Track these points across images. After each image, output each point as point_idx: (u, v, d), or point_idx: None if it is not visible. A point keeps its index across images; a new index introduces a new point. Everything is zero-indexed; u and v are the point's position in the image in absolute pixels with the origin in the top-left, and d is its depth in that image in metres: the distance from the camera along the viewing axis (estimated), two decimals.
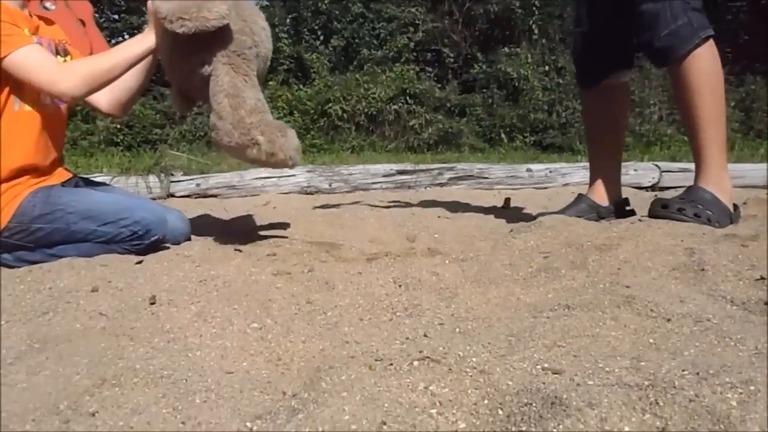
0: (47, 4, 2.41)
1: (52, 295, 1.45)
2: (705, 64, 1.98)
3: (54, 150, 2.01)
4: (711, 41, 2.01)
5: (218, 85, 1.79)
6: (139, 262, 1.74)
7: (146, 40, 1.88)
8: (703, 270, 1.43)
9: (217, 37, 1.80)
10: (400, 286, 1.47)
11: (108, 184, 2.55)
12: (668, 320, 1.12)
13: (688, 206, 1.96)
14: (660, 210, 1.99)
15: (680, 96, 2.05)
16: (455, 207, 3.02)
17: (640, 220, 2.00)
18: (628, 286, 1.35)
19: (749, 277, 1.38)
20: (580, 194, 2.42)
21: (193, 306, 1.35)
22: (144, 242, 1.92)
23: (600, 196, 2.35)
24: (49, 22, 2.10)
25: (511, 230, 2.01)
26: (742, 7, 11.80)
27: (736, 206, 2.11)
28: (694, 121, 2.01)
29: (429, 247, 1.93)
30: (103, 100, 2.11)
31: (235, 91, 1.78)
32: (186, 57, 1.84)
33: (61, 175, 2.07)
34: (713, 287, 1.35)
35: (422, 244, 2.07)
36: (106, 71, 1.84)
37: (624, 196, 2.43)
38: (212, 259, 1.77)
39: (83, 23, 2.55)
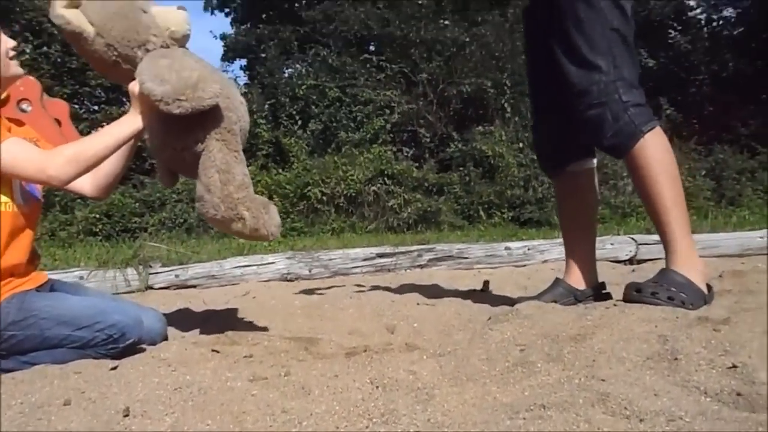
0: (23, 106, 2.46)
1: (23, 411, 1.43)
2: (654, 153, 2.05)
3: (27, 249, 2.00)
4: (657, 129, 2.08)
5: (210, 161, 1.83)
6: (114, 368, 1.72)
7: (133, 122, 1.87)
8: (676, 359, 1.44)
9: (210, 115, 1.84)
10: (377, 387, 1.46)
11: (83, 285, 2.53)
12: (641, 420, 1.13)
13: (661, 290, 1.99)
14: (634, 294, 2.02)
15: (638, 186, 2.13)
16: (434, 292, 3.03)
17: (615, 305, 2.01)
18: (603, 380, 1.35)
19: (722, 364, 1.39)
20: (557, 279, 2.44)
21: (167, 417, 1.34)
22: (119, 346, 1.90)
23: (576, 279, 2.38)
24: (19, 123, 2.12)
25: (489, 319, 2.02)
26: (704, 80, 12.27)
27: (709, 286, 2.14)
28: (655, 208, 2.07)
29: (407, 341, 1.93)
30: (86, 184, 2.12)
31: (226, 167, 1.83)
32: (179, 136, 1.87)
33: (36, 279, 2.06)
34: (686, 377, 1.36)
35: (401, 336, 2.07)
36: (94, 153, 1.83)
37: (600, 277, 2.45)
38: (189, 361, 1.76)
39: (59, 122, 2.59)
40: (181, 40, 1.96)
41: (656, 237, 4.64)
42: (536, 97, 2.44)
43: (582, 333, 1.68)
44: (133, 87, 1.85)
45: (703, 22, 14.26)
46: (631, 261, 4.51)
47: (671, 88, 11.74)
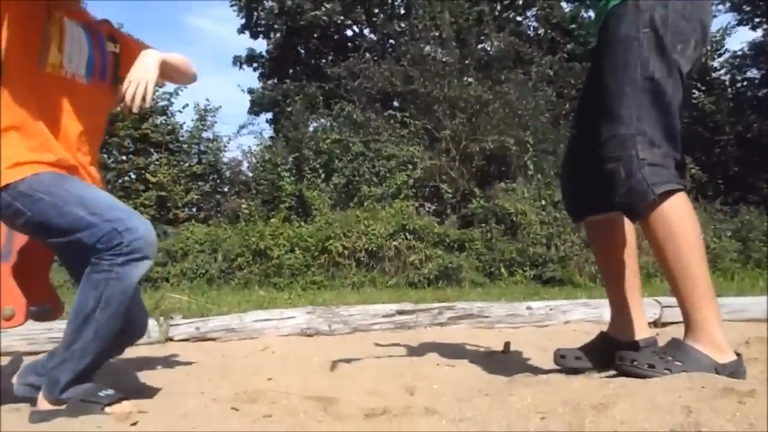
0: None
1: None
2: (671, 218, 1.89)
3: (85, 135, 2.09)
4: (678, 193, 1.91)
5: None
6: (134, 424, 1.72)
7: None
8: None
9: None
10: None
11: None
12: None
13: (659, 362, 1.85)
14: (628, 366, 1.87)
15: (655, 253, 1.98)
16: (455, 352, 3.01)
17: None
18: None
19: None
20: (601, 332, 2.38)
21: None
22: (124, 249, 1.88)
23: (617, 331, 2.31)
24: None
25: (510, 382, 2.01)
26: (729, 140, 12.25)
27: (738, 355, 2.02)
28: (672, 277, 1.92)
29: (426, 405, 1.91)
30: None
31: None
32: None
33: (93, 177, 2.13)
34: None
35: (420, 399, 2.06)
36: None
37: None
38: (208, 419, 1.76)
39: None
40: None
41: None
42: (570, 142, 2.42)
43: (604, 402, 1.66)
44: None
45: (727, 83, 14.35)
46: (655, 324, 4.42)
47: (696, 147, 11.74)
